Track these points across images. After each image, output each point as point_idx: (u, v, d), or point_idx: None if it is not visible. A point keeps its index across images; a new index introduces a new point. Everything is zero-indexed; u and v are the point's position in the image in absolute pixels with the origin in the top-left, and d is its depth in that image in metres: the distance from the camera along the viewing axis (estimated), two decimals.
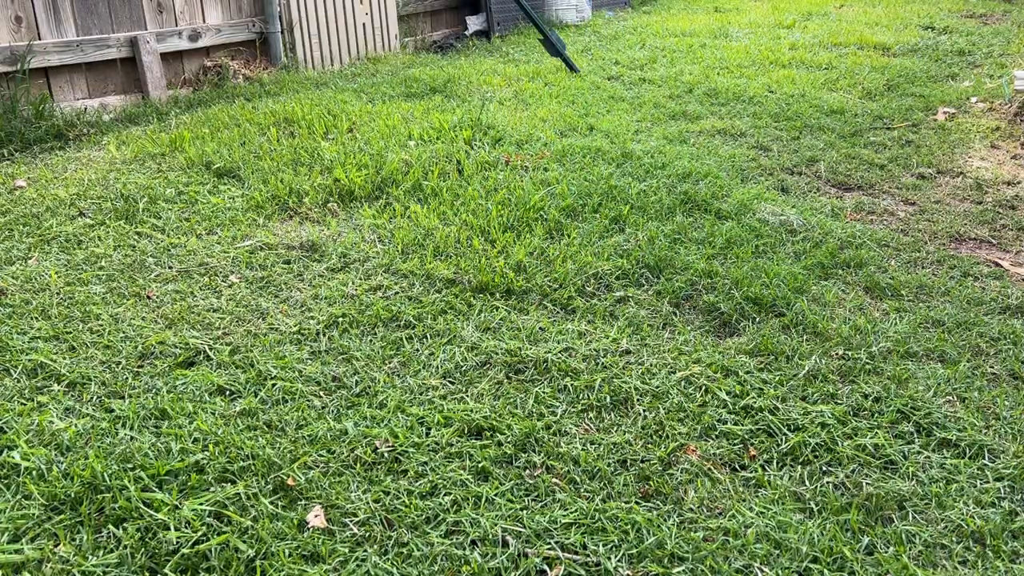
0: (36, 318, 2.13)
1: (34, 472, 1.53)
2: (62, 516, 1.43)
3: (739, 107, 4.27)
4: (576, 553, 1.35)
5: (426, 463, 1.56)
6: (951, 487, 1.51)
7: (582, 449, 1.60)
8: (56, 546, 1.37)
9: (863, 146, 3.61)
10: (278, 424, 1.68)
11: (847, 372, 1.87)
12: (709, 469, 1.56)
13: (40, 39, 4.03)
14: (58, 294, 2.26)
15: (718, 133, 3.83)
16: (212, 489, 1.49)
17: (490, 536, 1.38)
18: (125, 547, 1.35)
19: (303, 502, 1.46)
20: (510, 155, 3.39)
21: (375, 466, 1.56)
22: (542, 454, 1.59)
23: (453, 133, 3.66)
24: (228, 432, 1.64)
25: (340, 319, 2.10)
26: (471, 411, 1.71)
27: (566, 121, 3.94)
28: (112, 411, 1.74)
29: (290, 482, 1.50)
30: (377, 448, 1.60)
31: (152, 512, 1.42)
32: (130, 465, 1.53)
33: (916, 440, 1.64)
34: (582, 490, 1.50)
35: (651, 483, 1.52)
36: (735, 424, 1.68)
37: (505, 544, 1.37)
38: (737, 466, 1.58)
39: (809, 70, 5.09)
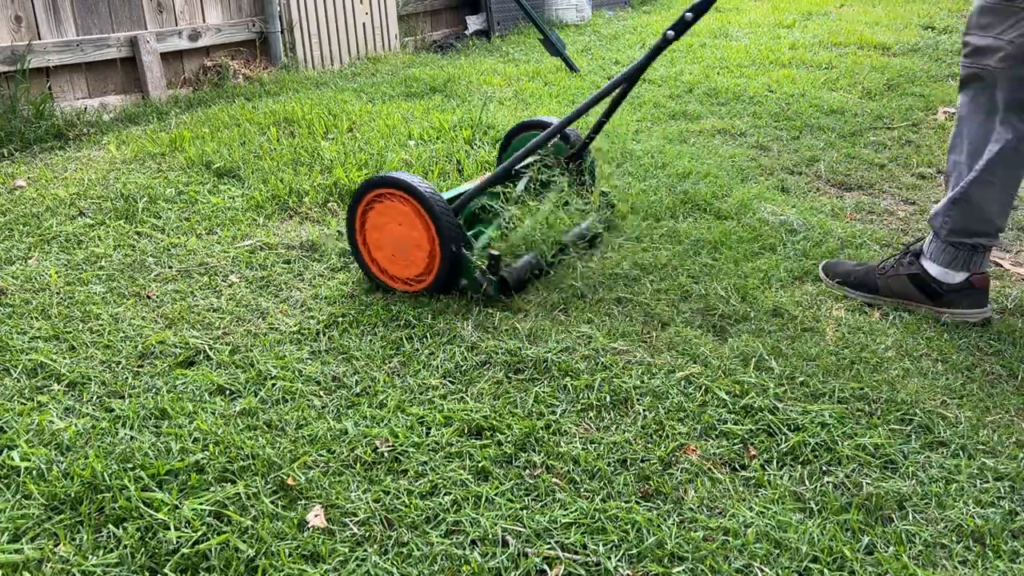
0: (36, 318, 2.13)
1: (34, 472, 1.53)
2: (62, 516, 1.43)
3: (739, 107, 4.27)
4: (576, 553, 1.35)
5: (426, 463, 1.56)
6: (951, 487, 1.51)
7: (582, 449, 1.60)
8: (56, 546, 1.37)
9: (863, 146, 3.61)
10: (278, 424, 1.68)
11: (847, 371, 1.87)
12: (709, 469, 1.56)
13: (40, 39, 4.03)
14: (58, 294, 2.26)
15: (718, 133, 3.83)
16: (212, 489, 1.49)
17: (490, 536, 1.38)
18: (125, 547, 1.35)
19: (303, 502, 1.46)
20: None
21: (375, 466, 1.56)
22: (542, 454, 1.59)
23: (453, 133, 3.67)
24: (228, 432, 1.64)
25: (340, 319, 2.10)
26: (471, 411, 1.71)
27: None
28: (112, 411, 1.74)
29: (290, 482, 1.50)
30: (377, 448, 1.60)
31: (152, 512, 1.42)
32: (130, 465, 1.54)
33: (916, 439, 1.64)
34: (582, 490, 1.50)
35: (651, 483, 1.52)
36: (735, 424, 1.68)
37: (505, 544, 1.37)
38: (737, 466, 1.58)
39: (809, 70, 5.09)
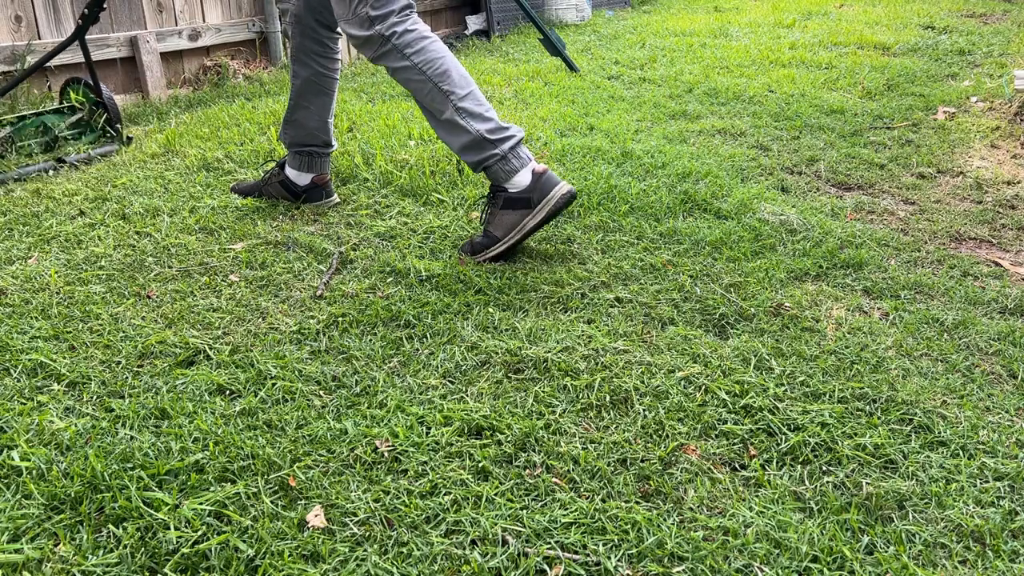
0: (36, 318, 2.13)
1: (34, 472, 1.53)
2: (62, 516, 1.43)
3: (739, 107, 4.27)
4: (576, 552, 1.35)
5: (426, 462, 1.56)
6: (951, 486, 1.51)
7: (582, 448, 1.60)
8: (56, 546, 1.37)
9: (863, 145, 3.61)
10: (278, 424, 1.68)
11: (847, 371, 1.87)
12: (709, 469, 1.56)
13: (40, 38, 4.03)
14: (58, 294, 2.26)
15: (718, 133, 3.83)
16: (212, 489, 1.49)
17: (490, 536, 1.38)
18: (125, 547, 1.35)
19: (303, 502, 1.46)
20: None
21: (375, 466, 1.56)
22: (542, 453, 1.59)
23: None
24: (228, 432, 1.64)
25: (340, 319, 2.10)
26: (471, 410, 1.71)
27: (566, 121, 3.94)
28: (112, 410, 1.74)
29: (290, 481, 1.50)
30: (377, 448, 1.60)
31: (152, 512, 1.42)
32: (130, 465, 1.54)
33: (916, 439, 1.64)
34: (582, 489, 1.50)
35: (651, 482, 1.52)
36: (735, 424, 1.68)
37: (505, 543, 1.37)
38: (737, 465, 1.58)
39: (809, 69, 5.09)
